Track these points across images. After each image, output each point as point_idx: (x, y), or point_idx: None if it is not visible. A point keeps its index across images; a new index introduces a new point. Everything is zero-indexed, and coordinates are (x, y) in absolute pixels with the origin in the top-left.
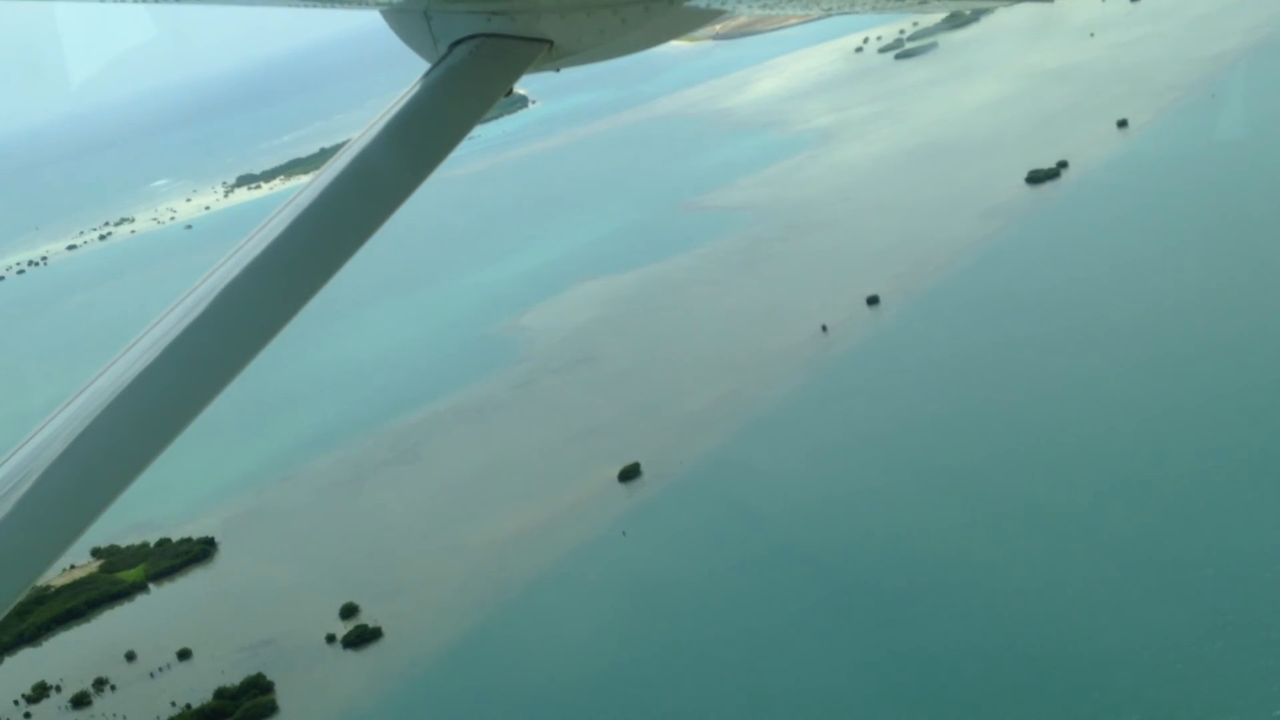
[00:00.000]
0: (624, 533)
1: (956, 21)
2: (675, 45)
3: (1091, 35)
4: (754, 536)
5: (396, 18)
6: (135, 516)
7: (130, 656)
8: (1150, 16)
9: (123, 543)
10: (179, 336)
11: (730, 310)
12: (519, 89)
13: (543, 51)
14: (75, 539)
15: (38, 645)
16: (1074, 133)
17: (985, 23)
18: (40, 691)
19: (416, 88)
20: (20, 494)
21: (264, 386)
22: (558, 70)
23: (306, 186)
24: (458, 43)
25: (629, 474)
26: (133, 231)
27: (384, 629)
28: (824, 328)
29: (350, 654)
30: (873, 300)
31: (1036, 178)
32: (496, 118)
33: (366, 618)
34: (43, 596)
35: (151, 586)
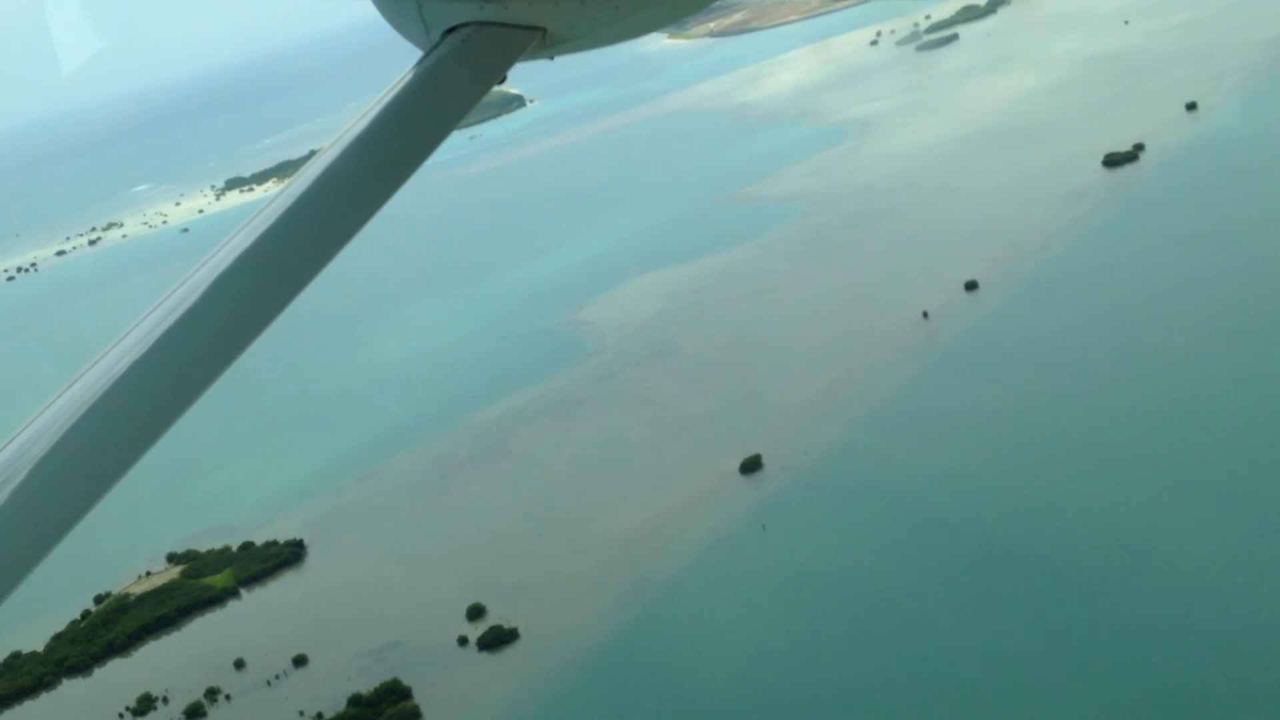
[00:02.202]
0: (763, 526)
1: (972, 14)
2: (672, 43)
3: (1126, 23)
4: (906, 524)
5: (388, 6)
6: (207, 520)
7: (239, 664)
8: (1182, 4)
9: (199, 547)
10: (173, 326)
11: (813, 299)
12: (514, 89)
13: (536, 39)
14: (67, 531)
15: (128, 655)
16: (1141, 116)
17: (1002, 14)
18: (146, 704)
19: (409, 75)
20: (11, 488)
21: (321, 385)
22: (551, 58)
23: (300, 175)
24: (450, 30)
25: (750, 466)
26: (124, 236)
27: (520, 630)
28: (925, 314)
29: (487, 656)
30: (971, 285)
31: (1113, 161)
32: (495, 117)
33: (496, 619)
34: (124, 605)
35: (243, 592)
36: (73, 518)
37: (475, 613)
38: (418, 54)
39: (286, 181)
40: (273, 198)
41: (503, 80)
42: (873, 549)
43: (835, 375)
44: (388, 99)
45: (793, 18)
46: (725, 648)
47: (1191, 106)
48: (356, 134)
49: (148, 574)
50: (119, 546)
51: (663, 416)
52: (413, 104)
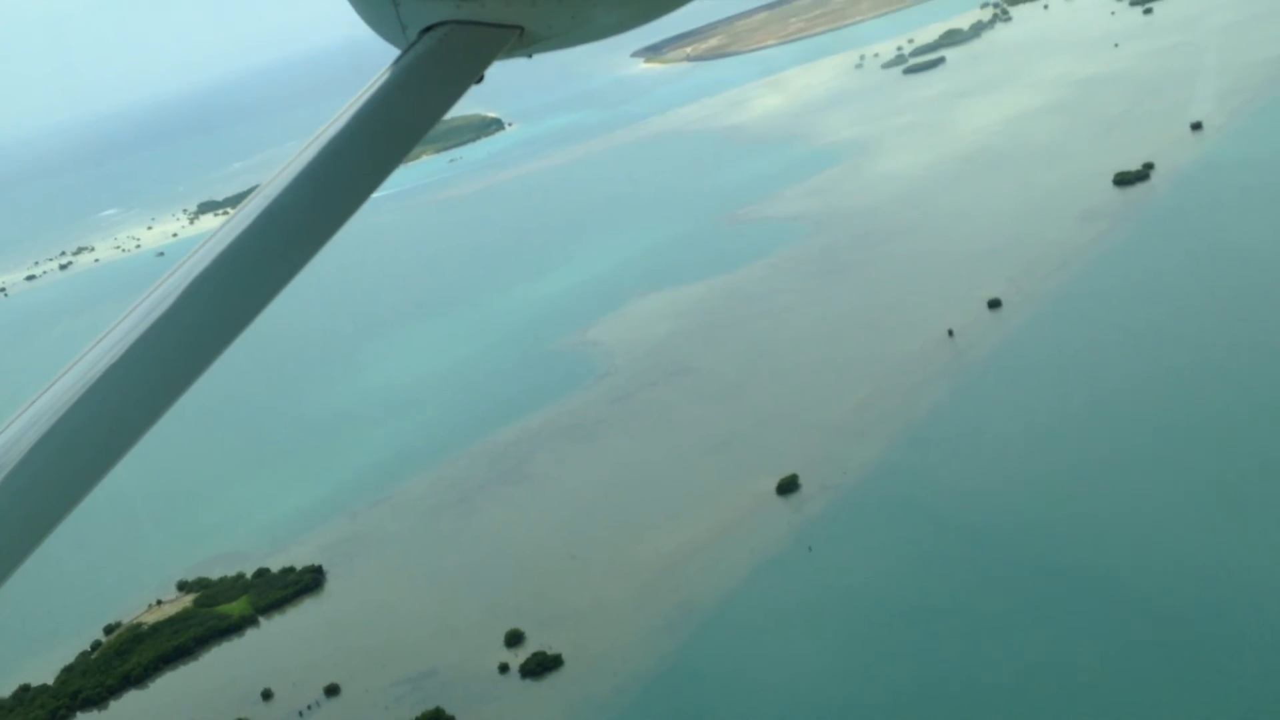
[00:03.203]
0: (809, 548)
1: (955, 38)
2: (648, 67)
3: (1116, 46)
4: (955, 544)
5: (365, 5)
6: (216, 547)
7: (267, 695)
8: (1172, 27)
9: (211, 575)
10: (151, 327)
11: (830, 318)
12: (492, 112)
13: (514, 37)
14: (43, 537)
15: (145, 687)
16: (1146, 137)
17: (986, 38)
18: None
19: (386, 75)
20: None
21: (322, 408)
22: (529, 56)
23: (277, 175)
24: (427, 29)
25: (787, 486)
26: (96, 260)
27: (564, 656)
28: (950, 332)
29: (532, 684)
30: (994, 304)
31: (1124, 180)
32: (474, 140)
33: (537, 645)
34: (138, 635)
35: (262, 620)
36: (50, 522)
37: (514, 639)
38: (395, 54)
39: (263, 182)
40: (250, 198)
41: (480, 79)
42: (924, 569)
43: (865, 394)
44: (365, 98)
45: (770, 42)
46: (780, 672)
47: (1197, 127)
48: (334, 133)
49: (159, 603)
50: (126, 574)
51: (688, 437)
52: (390, 103)
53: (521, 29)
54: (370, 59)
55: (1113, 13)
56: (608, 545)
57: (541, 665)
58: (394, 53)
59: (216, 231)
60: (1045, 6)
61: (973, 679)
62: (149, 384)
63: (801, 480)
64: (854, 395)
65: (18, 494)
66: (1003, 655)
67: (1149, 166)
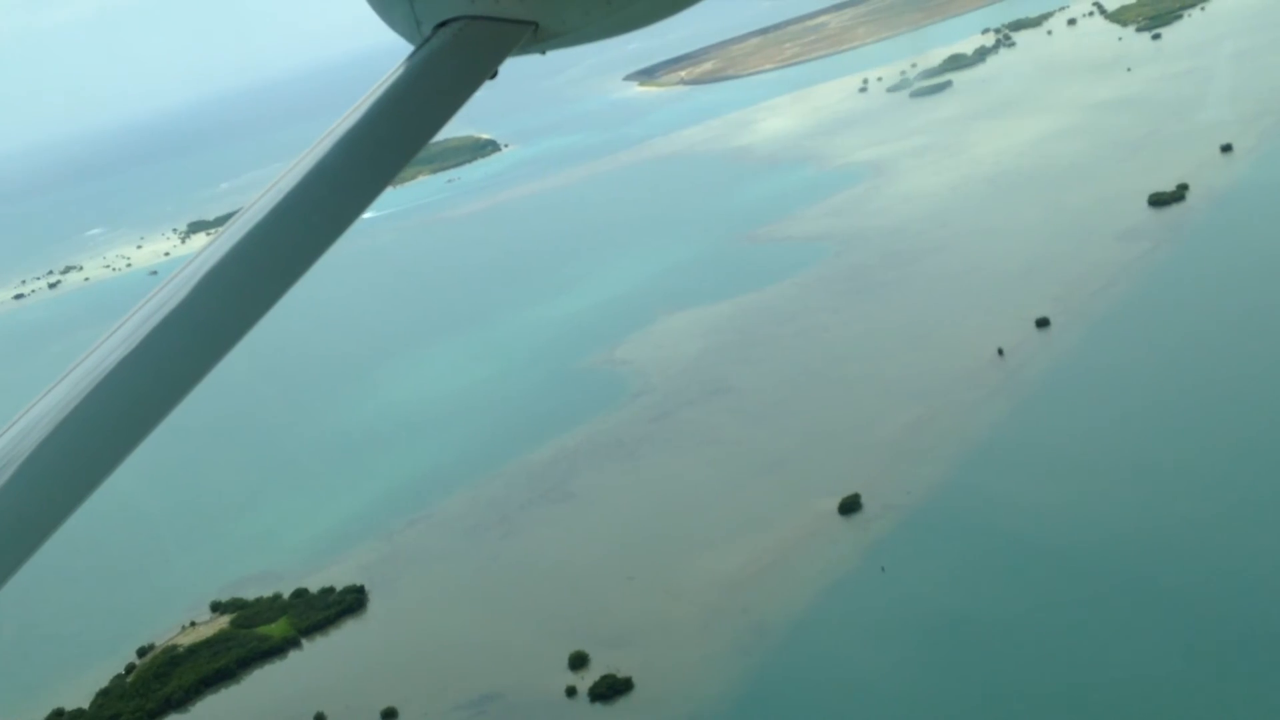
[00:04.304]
0: (882, 568)
1: (960, 63)
2: (643, 90)
3: (1129, 70)
4: (1032, 563)
5: (379, 1)
6: (247, 567)
7: (320, 719)
8: (1184, 53)
9: (245, 595)
10: (165, 319)
11: (868, 336)
12: (485, 134)
13: (527, 33)
14: (40, 543)
15: (187, 710)
16: (1174, 158)
17: (991, 63)
18: None
19: (400, 70)
20: None
21: (344, 427)
22: (543, 53)
23: (290, 170)
24: (441, 25)
25: (849, 506)
26: (86, 279)
27: (634, 679)
28: (1000, 351)
29: (602, 708)
30: (1043, 323)
31: (1160, 201)
32: (469, 161)
33: (603, 667)
34: (175, 657)
35: (304, 641)
36: (48, 527)
37: (578, 661)
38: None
39: (277, 177)
40: (262, 193)
41: (494, 75)
42: (1002, 589)
43: (918, 413)
44: (379, 93)
45: (767, 67)
46: (863, 694)
47: (1227, 149)
48: (348, 128)
49: (192, 624)
50: (155, 595)
51: (735, 456)
52: (404, 98)
53: (535, 25)
54: (383, 71)
55: (1120, 38)
56: (665, 565)
57: (611, 688)
58: (408, 50)
59: (229, 226)
60: (1049, 32)
61: (1057, 697)
62: (167, 372)
63: (864, 500)
64: (906, 414)
65: (16, 498)
66: (1089, 672)
67: (1183, 187)
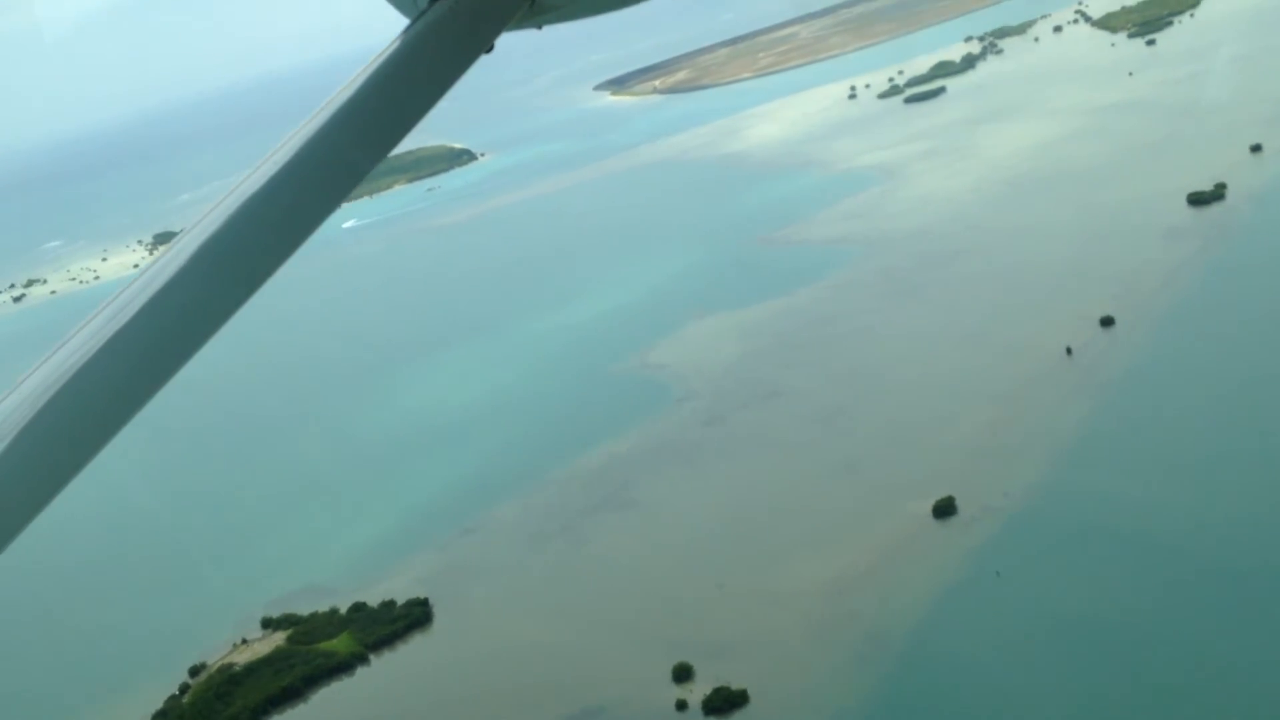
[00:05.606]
0: (997, 573)
1: (948, 69)
2: (616, 100)
3: (1130, 75)
4: (1159, 565)
5: None
6: (293, 581)
7: None
8: (1183, 58)
9: (297, 610)
10: (160, 291)
11: (920, 337)
12: (458, 144)
13: (523, 8)
14: (12, 538)
15: None
16: (1202, 158)
17: (982, 70)
18: None
19: (396, 44)
20: None
21: (368, 436)
22: (539, 28)
23: (284, 143)
24: None
25: (944, 509)
26: (52, 293)
27: (748, 692)
28: (1068, 350)
29: None
30: (1107, 321)
31: (1199, 200)
32: (446, 170)
33: (711, 679)
34: (233, 676)
35: (372, 657)
36: (19, 520)
37: (682, 673)
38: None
39: (273, 150)
40: (258, 165)
41: (490, 49)
42: (1128, 589)
43: (995, 414)
44: (374, 67)
45: (744, 75)
46: (1002, 702)
47: (1257, 149)
48: (342, 102)
49: (244, 641)
50: (199, 612)
51: (805, 460)
52: (402, 70)
53: None
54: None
55: (1113, 44)
56: (755, 572)
57: (728, 701)
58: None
59: (223, 199)
60: (1036, 39)
61: (1199, 695)
62: (155, 348)
63: (958, 503)
64: (981, 415)
65: (10, 468)
66: (1235, 670)
67: (1222, 187)
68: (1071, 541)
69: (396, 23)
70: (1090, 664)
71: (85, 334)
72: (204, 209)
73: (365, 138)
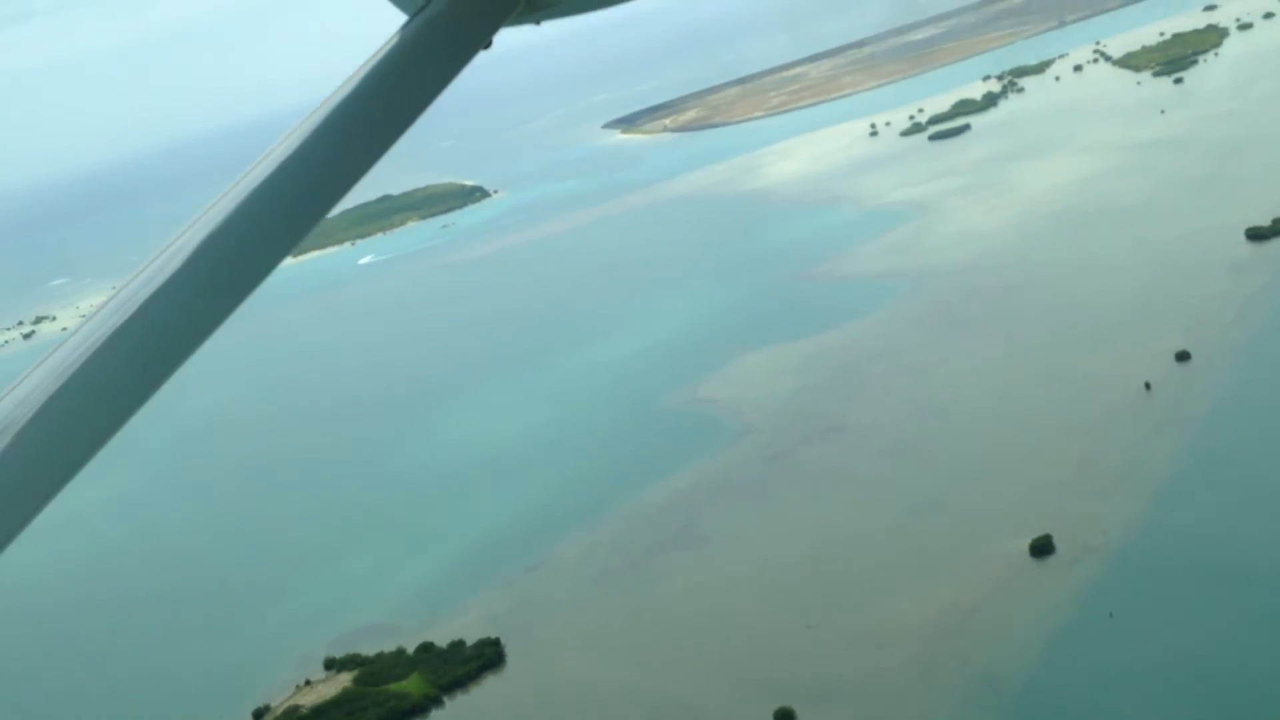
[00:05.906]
0: (1110, 614)
1: (970, 107)
2: (627, 138)
3: (1162, 112)
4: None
5: None
6: (353, 621)
7: None
8: (1214, 96)
9: (361, 650)
10: (170, 278)
11: (985, 372)
12: (470, 180)
13: (521, 3)
14: (34, 515)
15: None
16: (1252, 194)
17: (1004, 108)
18: None
19: (395, 40)
20: None
21: (412, 471)
22: (538, 23)
23: (287, 137)
24: None
25: (1042, 548)
26: (63, 329)
27: None
28: (1147, 385)
29: None
30: (1183, 356)
31: (1258, 235)
32: (460, 207)
33: None
34: (301, 719)
35: (446, 700)
36: (38, 503)
37: (785, 718)
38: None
39: (274, 144)
40: (257, 162)
41: (489, 45)
42: (1251, 630)
43: (1080, 450)
44: (374, 62)
45: (757, 114)
46: None
47: None
48: (343, 97)
49: (307, 682)
50: (256, 653)
51: (882, 496)
52: (399, 68)
53: None
54: None
55: (1138, 83)
56: (846, 613)
57: None
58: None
59: (222, 197)
60: (1056, 78)
61: None
62: (165, 337)
63: (1055, 541)
64: (1068, 452)
65: (10, 466)
66: None
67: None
68: (1180, 580)
69: (396, 21)
70: (1218, 707)
71: (84, 334)
72: (203, 207)
73: (365, 132)
